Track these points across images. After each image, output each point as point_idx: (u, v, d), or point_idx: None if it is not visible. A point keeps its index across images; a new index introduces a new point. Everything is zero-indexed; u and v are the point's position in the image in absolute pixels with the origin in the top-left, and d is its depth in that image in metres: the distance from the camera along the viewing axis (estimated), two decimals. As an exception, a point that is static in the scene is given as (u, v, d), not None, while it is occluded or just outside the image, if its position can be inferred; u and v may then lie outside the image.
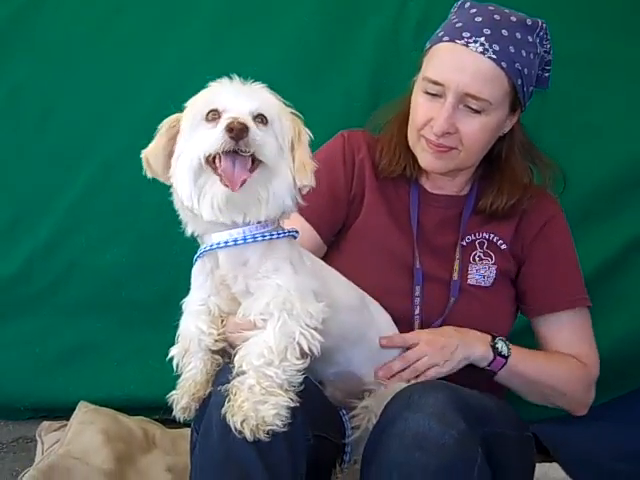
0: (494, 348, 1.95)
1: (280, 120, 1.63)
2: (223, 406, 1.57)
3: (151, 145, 1.70)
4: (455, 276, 2.04)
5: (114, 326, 2.80)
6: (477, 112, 1.93)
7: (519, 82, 1.95)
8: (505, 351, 1.95)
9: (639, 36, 2.64)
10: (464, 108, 1.93)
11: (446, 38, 1.96)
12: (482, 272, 2.06)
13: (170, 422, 2.67)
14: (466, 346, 1.92)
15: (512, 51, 1.91)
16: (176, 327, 2.69)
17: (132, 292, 2.79)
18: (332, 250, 2.13)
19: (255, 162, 1.58)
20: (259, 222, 1.65)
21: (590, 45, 2.64)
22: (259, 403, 1.55)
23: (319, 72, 2.67)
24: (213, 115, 1.60)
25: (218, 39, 2.69)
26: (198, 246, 2.66)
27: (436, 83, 1.94)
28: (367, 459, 1.67)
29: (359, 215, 2.12)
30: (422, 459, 1.56)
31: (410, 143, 2.05)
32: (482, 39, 1.90)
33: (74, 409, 2.55)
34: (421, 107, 1.99)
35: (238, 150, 1.54)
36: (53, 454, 2.25)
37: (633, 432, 2.64)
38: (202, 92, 1.67)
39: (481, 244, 2.08)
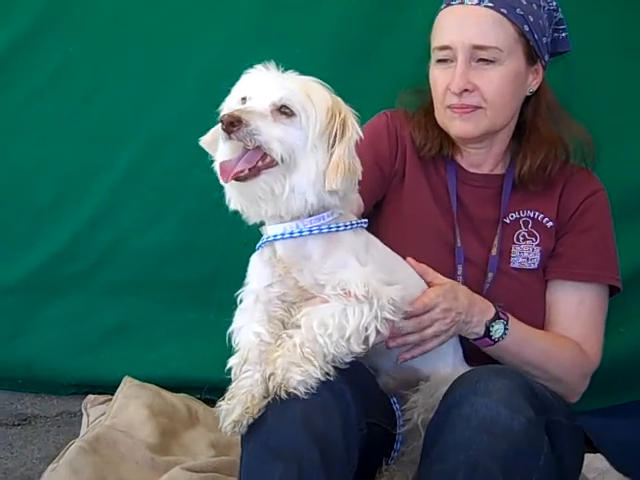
0: (488, 329, 1.85)
1: (307, 112, 1.60)
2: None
3: (208, 133, 1.76)
4: (494, 252, 2.01)
5: (157, 305, 2.81)
6: (490, 62, 1.92)
7: (526, 28, 1.94)
8: (498, 335, 1.85)
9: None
10: (477, 64, 1.93)
11: (443, 6, 2.01)
12: (525, 254, 2.01)
13: (212, 402, 2.69)
14: (465, 322, 1.83)
15: None
16: (216, 308, 2.76)
17: (175, 272, 2.79)
18: (371, 224, 2.06)
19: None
20: (311, 215, 1.65)
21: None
22: (293, 364, 1.55)
23: (366, 55, 2.64)
24: (243, 103, 1.62)
25: (265, 20, 2.67)
26: (242, 227, 2.72)
27: (444, 48, 1.96)
28: (430, 440, 1.65)
29: (401, 191, 2.10)
30: (490, 443, 1.55)
31: (439, 120, 2.04)
32: None
33: (116, 386, 2.60)
34: (438, 78, 1.99)
35: (242, 142, 1.55)
36: (99, 426, 2.28)
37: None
38: (241, 78, 1.68)
39: (525, 223, 2.04)
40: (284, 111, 1.59)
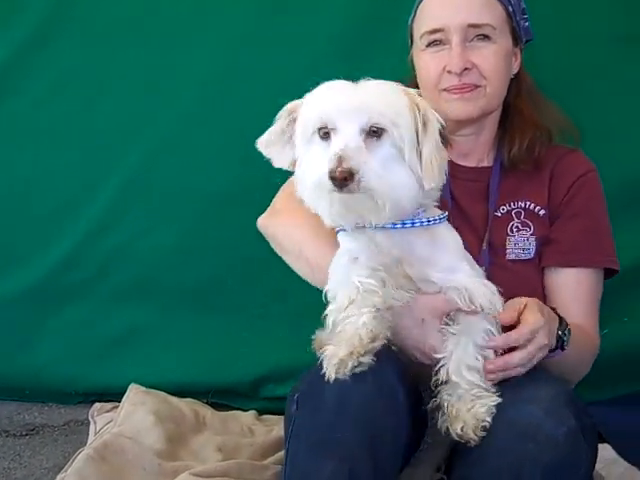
0: (559, 338, 1.75)
1: (397, 126, 1.57)
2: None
3: (265, 134, 1.72)
4: (484, 245, 1.98)
5: (162, 310, 2.81)
6: (486, 38, 1.93)
7: (510, 9, 1.97)
8: (567, 341, 1.76)
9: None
10: (472, 42, 1.93)
11: None
12: (520, 245, 1.99)
13: (218, 405, 2.72)
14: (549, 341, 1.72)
15: None
16: (223, 312, 2.77)
17: (180, 277, 2.79)
18: None
19: None
20: None
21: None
22: (471, 407, 1.60)
23: (366, 54, 2.61)
24: (324, 133, 1.59)
25: (265, 22, 2.67)
26: (246, 232, 2.72)
27: (436, 31, 1.94)
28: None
29: None
30: (534, 450, 1.55)
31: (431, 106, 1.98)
32: None
33: (123, 393, 2.61)
34: (430, 62, 1.97)
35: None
36: (106, 434, 2.29)
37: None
38: (314, 98, 1.64)
39: (518, 214, 2.02)
40: (373, 131, 1.56)
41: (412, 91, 1.65)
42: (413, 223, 1.66)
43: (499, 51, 1.95)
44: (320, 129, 1.59)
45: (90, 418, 2.53)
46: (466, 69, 1.92)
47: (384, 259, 1.66)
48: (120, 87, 2.74)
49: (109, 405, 2.58)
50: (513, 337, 1.66)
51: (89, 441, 2.36)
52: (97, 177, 2.78)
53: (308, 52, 2.64)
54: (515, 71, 2.05)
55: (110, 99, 2.74)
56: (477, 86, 1.95)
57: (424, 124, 1.61)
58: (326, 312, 1.66)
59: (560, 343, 1.75)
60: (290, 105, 1.70)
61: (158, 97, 2.73)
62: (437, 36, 1.94)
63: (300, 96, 1.69)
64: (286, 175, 1.93)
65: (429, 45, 1.97)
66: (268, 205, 2.11)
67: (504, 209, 2.02)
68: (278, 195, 2.09)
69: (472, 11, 1.92)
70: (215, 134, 2.73)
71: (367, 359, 1.55)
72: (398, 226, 1.66)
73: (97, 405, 2.60)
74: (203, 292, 2.80)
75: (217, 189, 2.74)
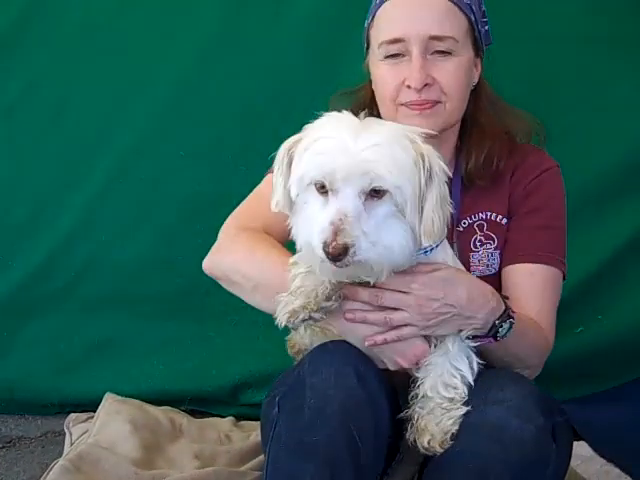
0: (495, 328, 1.69)
1: (400, 187, 1.48)
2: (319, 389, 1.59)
3: (276, 194, 1.62)
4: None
5: (137, 320, 2.79)
6: (447, 54, 1.83)
7: (472, 18, 1.88)
8: (503, 333, 1.69)
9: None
10: (433, 56, 1.83)
11: None
12: (485, 261, 1.93)
13: (196, 413, 2.70)
14: (466, 319, 1.65)
15: None
16: (199, 319, 2.76)
17: (153, 285, 2.78)
18: None
19: None
20: None
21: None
22: (440, 420, 1.61)
23: (336, 56, 2.60)
24: (322, 189, 1.51)
25: (233, 25, 2.66)
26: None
27: (396, 41, 1.83)
28: None
29: None
30: (501, 452, 1.55)
31: (389, 120, 1.80)
32: None
33: (100, 403, 2.58)
34: (388, 74, 1.87)
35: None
36: (82, 444, 2.28)
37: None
38: (313, 149, 1.52)
39: (480, 226, 1.95)
40: (374, 191, 1.48)
41: (418, 139, 1.55)
42: None
43: (460, 65, 1.86)
44: (317, 184, 1.51)
45: (65, 429, 2.51)
46: (426, 85, 1.83)
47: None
48: (87, 98, 2.72)
49: (84, 415, 2.56)
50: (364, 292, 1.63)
51: (64, 452, 2.34)
52: (66, 188, 2.76)
53: (280, 55, 2.64)
54: (475, 81, 1.96)
55: (76, 110, 2.72)
56: (437, 102, 1.86)
57: (429, 177, 1.53)
58: (292, 260, 1.66)
59: (493, 332, 1.69)
60: (288, 143, 1.60)
61: (124, 107, 2.71)
62: (397, 47, 1.84)
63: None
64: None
65: (387, 57, 1.87)
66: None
67: (465, 223, 1.95)
68: (220, 235, 1.96)
69: (434, 21, 1.82)
70: (189, 142, 2.72)
71: (318, 315, 1.60)
72: None
73: (72, 416, 2.58)
74: (178, 299, 2.79)
75: (190, 197, 2.73)
